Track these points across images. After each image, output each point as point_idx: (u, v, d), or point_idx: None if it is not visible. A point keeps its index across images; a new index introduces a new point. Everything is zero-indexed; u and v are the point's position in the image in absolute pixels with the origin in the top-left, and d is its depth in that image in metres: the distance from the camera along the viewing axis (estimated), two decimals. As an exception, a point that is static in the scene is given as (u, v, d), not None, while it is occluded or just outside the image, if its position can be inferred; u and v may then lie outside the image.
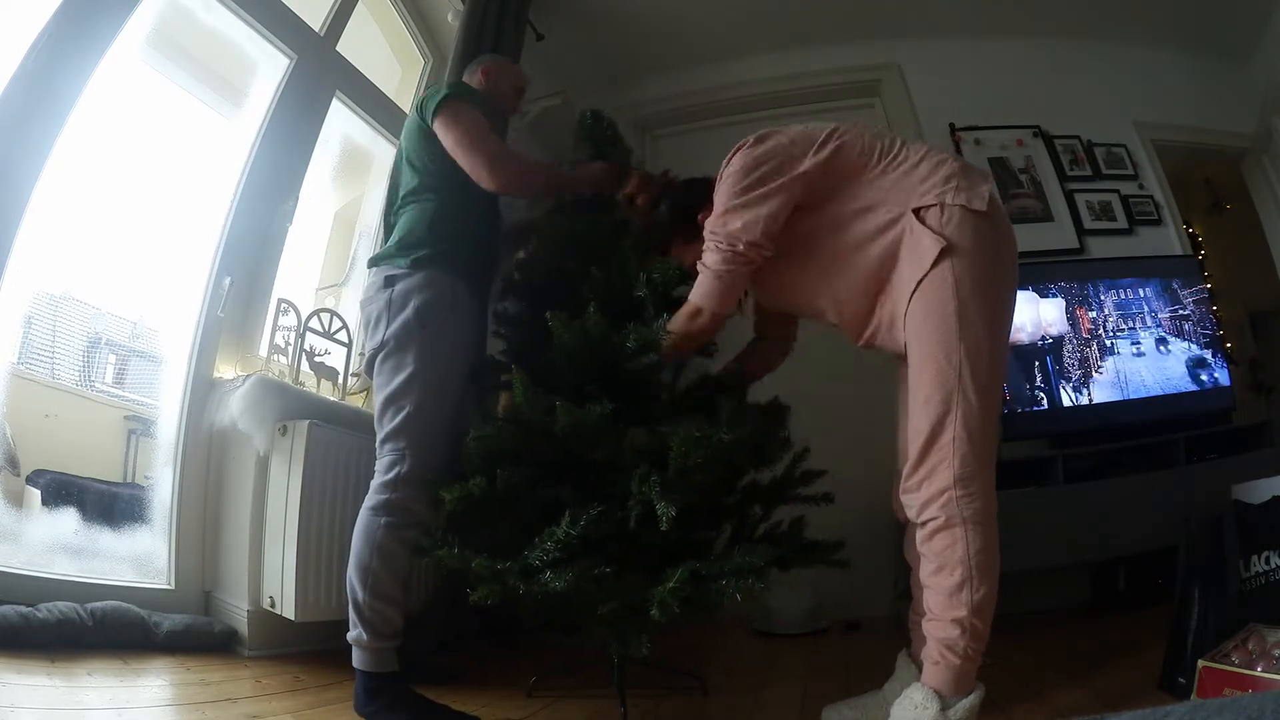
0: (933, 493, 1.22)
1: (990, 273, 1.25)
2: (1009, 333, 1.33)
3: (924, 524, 1.24)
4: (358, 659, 1.45)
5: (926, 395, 1.23)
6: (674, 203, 1.53)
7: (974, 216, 1.25)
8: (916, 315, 1.26)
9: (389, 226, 1.69)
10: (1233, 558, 1.41)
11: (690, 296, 1.38)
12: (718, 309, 1.36)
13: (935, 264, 1.23)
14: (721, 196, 1.35)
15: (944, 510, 1.20)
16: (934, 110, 3.22)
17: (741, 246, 1.31)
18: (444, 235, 1.60)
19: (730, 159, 1.38)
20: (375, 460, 1.55)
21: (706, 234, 1.36)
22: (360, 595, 1.46)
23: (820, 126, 1.38)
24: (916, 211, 1.27)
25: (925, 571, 1.25)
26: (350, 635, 1.47)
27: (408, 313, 1.54)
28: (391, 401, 1.52)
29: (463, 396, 1.61)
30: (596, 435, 1.35)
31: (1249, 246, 3.44)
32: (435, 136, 1.60)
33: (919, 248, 1.26)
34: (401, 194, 1.66)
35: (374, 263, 1.64)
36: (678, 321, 1.39)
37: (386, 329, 1.54)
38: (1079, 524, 2.38)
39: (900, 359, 1.38)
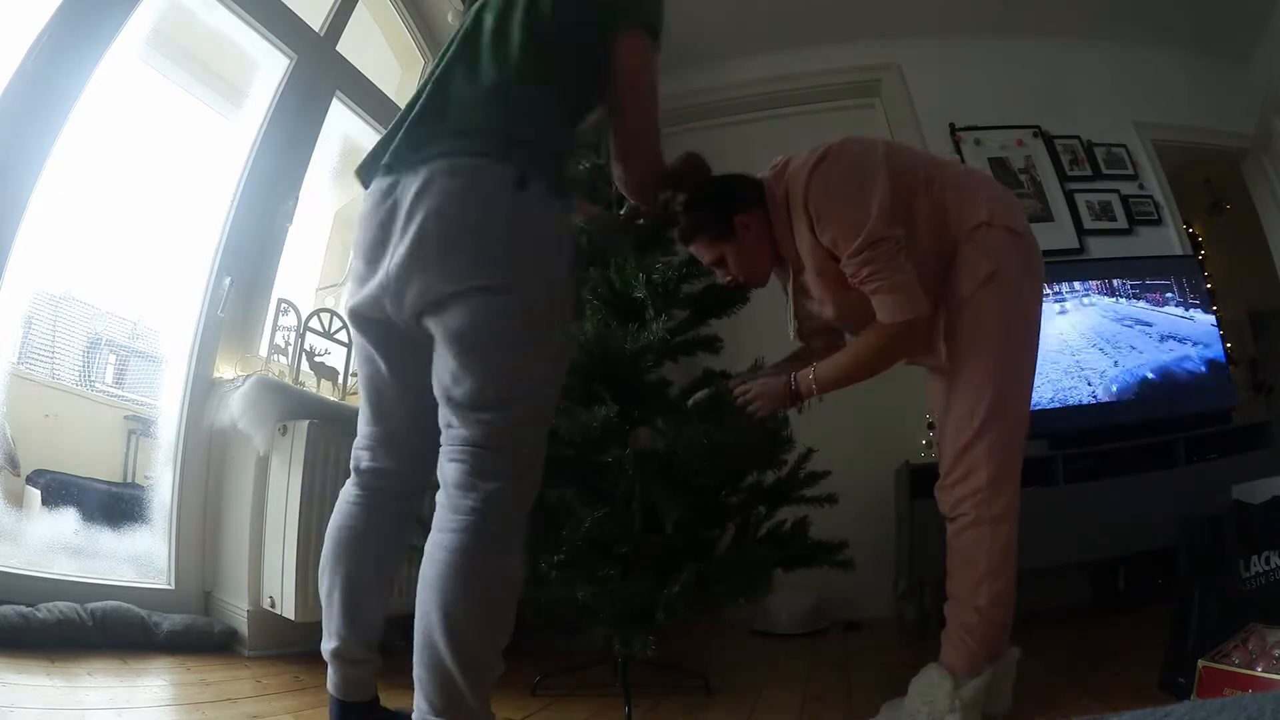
0: (967, 492, 1.30)
1: (1027, 292, 1.34)
2: (1038, 346, 1.41)
3: (954, 519, 1.33)
4: None
5: (969, 407, 1.31)
6: (714, 196, 1.42)
7: (1015, 237, 1.33)
8: (962, 331, 1.33)
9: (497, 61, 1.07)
10: (1233, 558, 1.41)
11: (891, 318, 1.27)
12: (922, 311, 1.28)
13: (983, 284, 1.30)
14: (845, 228, 1.27)
15: (975, 509, 1.29)
16: (934, 110, 3.22)
17: (897, 234, 1.26)
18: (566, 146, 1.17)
19: (807, 198, 1.31)
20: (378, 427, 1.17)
21: (860, 258, 1.26)
22: (491, 665, 0.98)
23: (868, 139, 1.41)
24: (968, 230, 1.33)
25: (953, 562, 1.33)
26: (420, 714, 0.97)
27: (551, 252, 1.04)
28: (522, 382, 1.03)
29: None
30: (602, 438, 1.35)
31: (1249, 246, 3.44)
32: (586, 56, 1.11)
33: (970, 266, 1.32)
34: (523, 53, 1.06)
35: (502, 135, 1.02)
36: (882, 348, 1.30)
37: (517, 263, 1.00)
38: (1079, 524, 2.38)
39: (933, 371, 1.45)
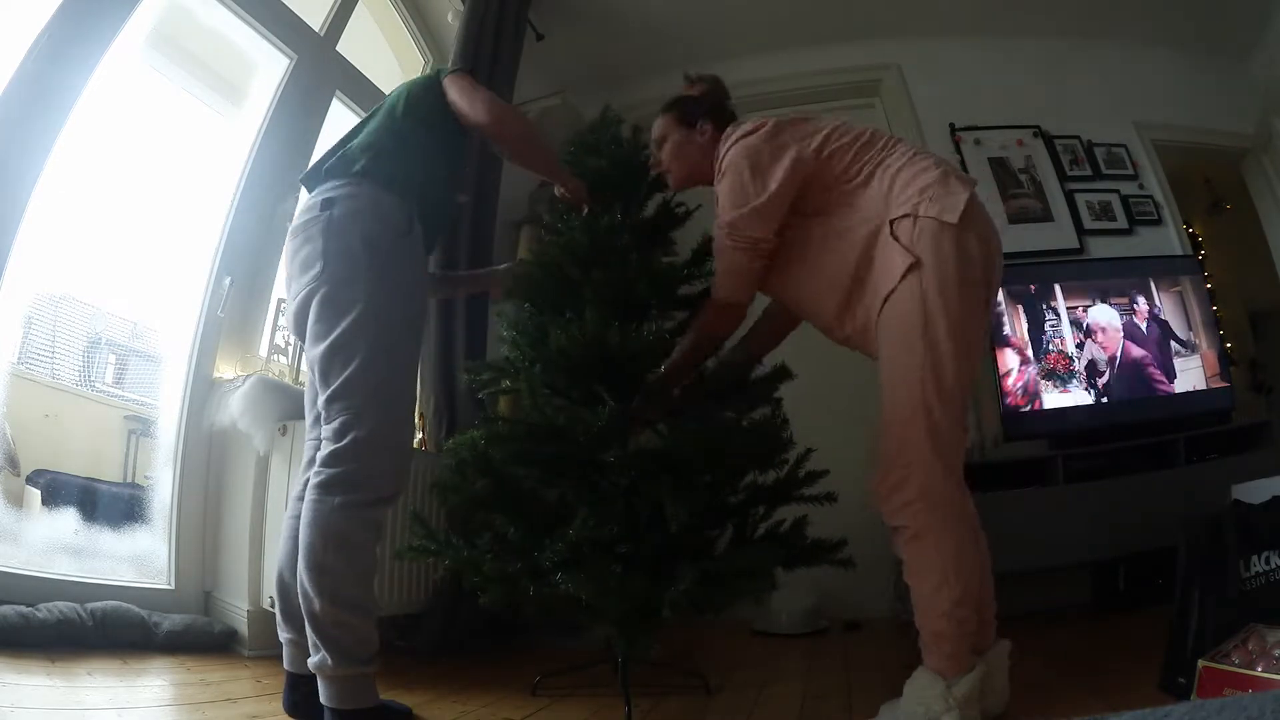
0: (901, 503, 1.27)
1: (958, 285, 1.27)
2: (980, 340, 1.37)
3: (897, 530, 1.30)
4: (325, 692, 1.17)
5: (892, 406, 1.29)
6: (706, 96, 1.67)
7: (946, 229, 1.28)
8: (885, 327, 1.31)
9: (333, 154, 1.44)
10: (1233, 558, 1.40)
11: (714, 293, 1.48)
12: (740, 298, 1.46)
13: (903, 278, 1.27)
14: (729, 194, 1.41)
15: (914, 519, 1.26)
16: (934, 110, 3.22)
17: (758, 236, 1.39)
18: (404, 158, 1.37)
19: (726, 152, 1.43)
20: (318, 427, 1.32)
21: (722, 230, 1.42)
22: (317, 605, 1.16)
23: (804, 118, 1.46)
24: (891, 222, 1.32)
25: (908, 573, 1.31)
26: (311, 661, 1.19)
27: (353, 239, 1.28)
28: (339, 350, 1.24)
29: (418, 348, 1.43)
30: (605, 436, 1.35)
31: (1249, 246, 3.44)
32: (432, 95, 1.46)
33: (889, 261, 1.30)
34: (365, 129, 1.45)
35: (309, 180, 1.41)
36: (703, 319, 1.50)
37: (325, 259, 1.27)
38: (1079, 524, 2.38)
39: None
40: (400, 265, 1.33)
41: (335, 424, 1.24)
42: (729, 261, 1.42)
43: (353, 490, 1.22)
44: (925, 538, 1.26)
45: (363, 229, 1.29)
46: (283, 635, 1.34)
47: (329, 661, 1.17)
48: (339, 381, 1.24)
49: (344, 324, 1.24)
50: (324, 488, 1.22)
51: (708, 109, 1.61)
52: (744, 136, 1.42)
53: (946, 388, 1.25)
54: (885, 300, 1.30)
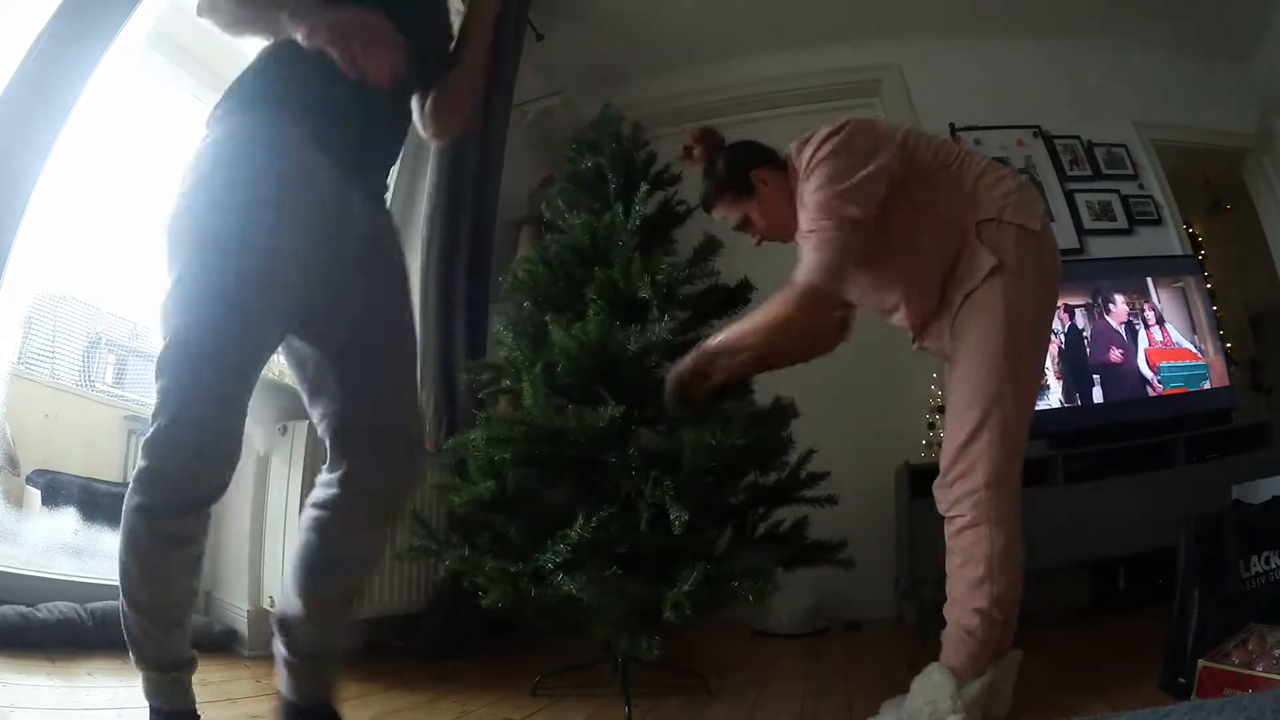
0: (963, 493, 1.29)
1: (1036, 291, 1.32)
2: (1047, 347, 1.41)
3: (952, 520, 1.32)
4: (143, 685, 1.00)
5: (967, 403, 1.30)
6: (729, 158, 1.51)
7: (1027, 235, 1.32)
8: (964, 324, 1.33)
9: None
10: (1233, 558, 1.41)
11: (801, 276, 1.26)
12: (832, 284, 1.27)
13: (987, 278, 1.30)
14: (821, 178, 1.31)
15: (973, 510, 1.27)
16: (934, 110, 3.22)
17: (854, 214, 1.27)
18: (278, 73, 1.10)
19: (816, 147, 1.36)
20: (316, 407, 1.12)
21: (813, 212, 1.28)
22: (119, 602, 0.98)
23: (893, 124, 1.44)
24: (976, 224, 1.33)
25: (951, 563, 1.32)
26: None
27: (198, 176, 1.01)
28: (161, 319, 0.98)
29: (282, 323, 1.04)
30: (607, 438, 1.36)
31: (1249, 246, 3.44)
32: None
33: (974, 260, 1.32)
34: None
35: None
36: (777, 307, 1.27)
37: (181, 193, 1.01)
38: (1079, 524, 2.38)
39: (946, 360, 1.44)
40: (263, 214, 0.99)
41: (154, 405, 0.97)
42: (828, 235, 1.26)
43: (145, 492, 0.98)
44: (979, 528, 1.27)
45: (214, 162, 1.01)
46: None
47: (138, 661, 0.99)
48: (157, 359, 0.97)
49: (166, 288, 0.98)
50: (133, 478, 0.99)
51: (743, 161, 1.49)
52: (832, 134, 1.36)
53: (1019, 387, 1.29)
54: (966, 298, 1.32)
